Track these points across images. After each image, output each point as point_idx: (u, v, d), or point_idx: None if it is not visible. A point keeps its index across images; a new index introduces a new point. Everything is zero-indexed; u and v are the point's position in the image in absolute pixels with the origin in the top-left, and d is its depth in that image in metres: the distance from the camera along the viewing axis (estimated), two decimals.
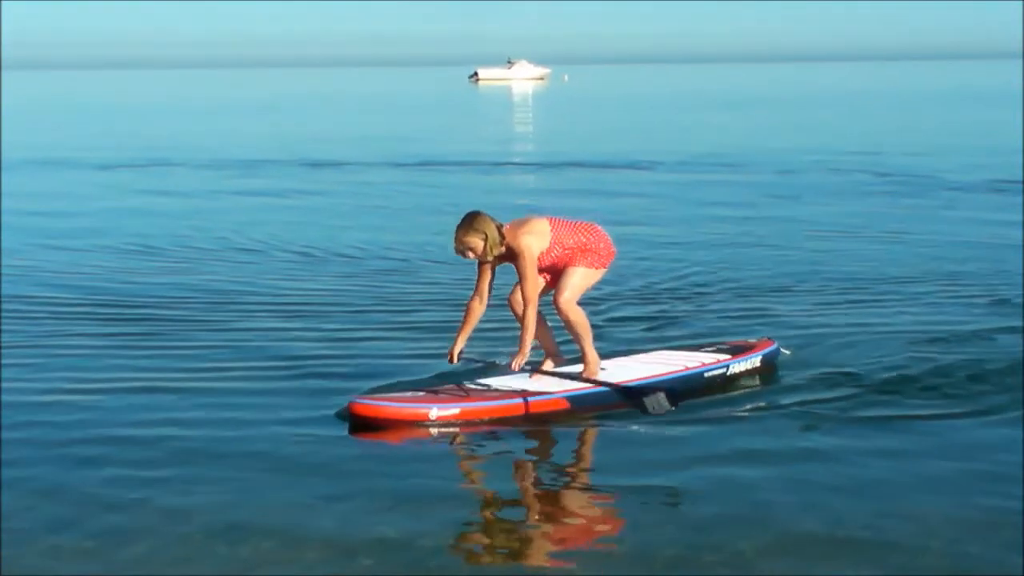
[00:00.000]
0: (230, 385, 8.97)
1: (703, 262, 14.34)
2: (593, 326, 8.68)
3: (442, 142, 37.41)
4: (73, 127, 50.35)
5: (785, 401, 8.49)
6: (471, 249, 8.15)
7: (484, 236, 8.11)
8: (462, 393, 8.15)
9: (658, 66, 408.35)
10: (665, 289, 12.68)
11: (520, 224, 8.29)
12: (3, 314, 11.38)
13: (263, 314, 11.51)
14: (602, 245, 8.46)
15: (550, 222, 8.36)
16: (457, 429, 7.87)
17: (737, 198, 21.30)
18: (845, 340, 10.18)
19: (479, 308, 8.35)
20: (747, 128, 44.11)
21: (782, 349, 9.59)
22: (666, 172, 26.71)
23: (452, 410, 7.94)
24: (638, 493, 6.80)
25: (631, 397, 7.94)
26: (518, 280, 8.28)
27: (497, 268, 8.38)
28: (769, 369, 9.24)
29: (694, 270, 13.81)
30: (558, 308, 8.37)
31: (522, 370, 8.37)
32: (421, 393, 8.20)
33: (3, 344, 10.16)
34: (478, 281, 8.35)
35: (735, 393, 8.77)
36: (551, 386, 8.33)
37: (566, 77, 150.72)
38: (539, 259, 8.22)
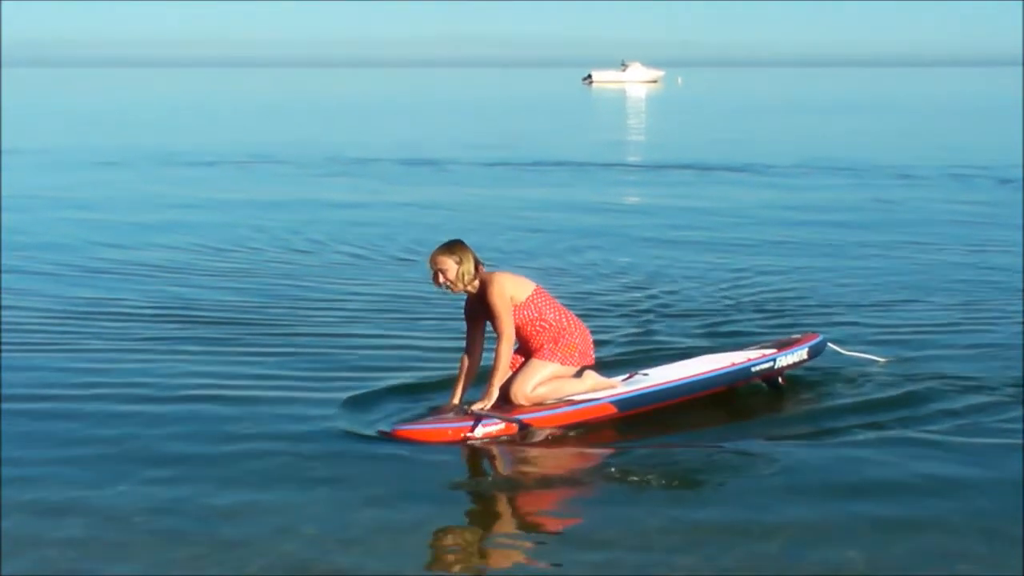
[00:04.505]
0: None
1: (807, 270, 13.98)
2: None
3: (555, 143, 37.26)
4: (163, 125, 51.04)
5: (885, 418, 8.09)
6: (443, 271, 7.80)
7: (459, 261, 7.79)
8: (509, 406, 7.86)
9: (775, 70, 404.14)
10: (767, 297, 12.30)
11: (502, 271, 8.06)
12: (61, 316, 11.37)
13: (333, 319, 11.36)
14: (579, 340, 8.04)
15: (536, 287, 8.03)
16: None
17: (850, 204, 20.79)
18: (949, 352, 9.83)
19: (469, 364, 8.02)
20: (864, 133, 43.26)
21: (876, 358, 9.33)
22: (779, 176, 26.22)
23: (498, 425, 7.69)
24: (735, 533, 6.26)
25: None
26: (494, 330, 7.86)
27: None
28: (815, 358, 9.02)
29: (794, 277, 13.45)
30: (515, 399, 7.87)
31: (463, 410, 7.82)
32: (467, 407, 7.87)
33: (67, 348, 10.11)
34: (468, 337, 8.09)
35: (828, 404, 8.45)
36: (596, 392, 8.06)
37: (680, 80, 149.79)
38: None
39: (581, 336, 8.07)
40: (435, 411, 7.97)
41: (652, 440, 7.75)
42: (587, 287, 13.04)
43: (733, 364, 8.56)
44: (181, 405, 8.42)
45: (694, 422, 8.13)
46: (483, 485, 7.22)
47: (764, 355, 8.73)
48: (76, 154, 32.13)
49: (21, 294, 12.45)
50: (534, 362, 7.94)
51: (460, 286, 7.85)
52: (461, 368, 8.05)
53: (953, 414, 8.15)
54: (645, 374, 8.48)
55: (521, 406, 7.86)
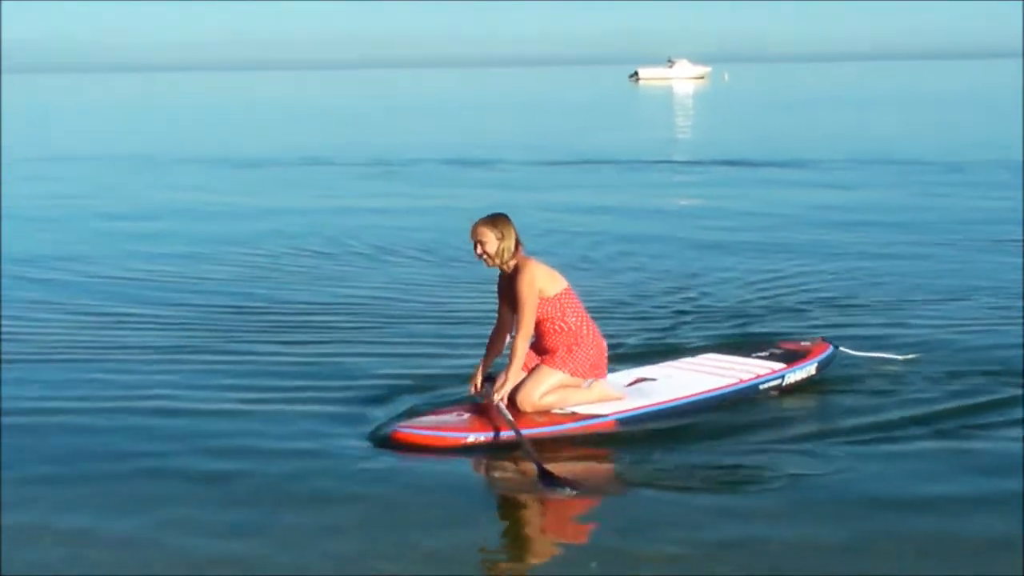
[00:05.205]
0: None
1: (845, 270, 13.68)
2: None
3: (603, 140, 37.29)
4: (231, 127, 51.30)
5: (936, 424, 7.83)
6: (482, 243, 7.73)
7: (500, 236, 7.73)
8: (515, 412, 7.67)
9: (823, 64, 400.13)
10: (794, 297, 12.08)
11: (538, 261, 7.92)
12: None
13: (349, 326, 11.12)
14: (593, 352, 7.87)
15: (567, 287, 7.90)
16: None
17: (895, 202, 20.48)
18: (990, 352, 9.58)
19: (497, 341, 8.06)
20: (911, 127, 42.73)
21: (895, 356, 9.19)
22: (823, 172, 25.99)
23: (490, 435, 7.52)
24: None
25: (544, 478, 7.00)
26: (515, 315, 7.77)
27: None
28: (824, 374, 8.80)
29: (828, 277, 13.20)
30: (521, 406, 7.73)
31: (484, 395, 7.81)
32: (466, 416, 7.79)
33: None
34: (499, 312, 8.06)
35: (869, 407, 8.16)
36: (601, 408, 7.89)
37: (727, 76, 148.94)
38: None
39: (596, 348, 7.93)
40: (456, 407, 7.97)
41: (690, 445, 7.51)
42: (610, 280, 13.14)
43: (741, 381, 8.37)
44: (200, 420, 8.21)
45: (714, 430, 7.82)
46: (505, 497, 6.99)
47: (773, 371, 8.56)
48: (119, 160, 32.21)
49: (37, 305, 12.27)
50: (543, 369, 7.83)
51: (498, 261, 7.81)
52: (489, 344, 8.08)
53: (1002, 421, 7.89)
54: (653, 379, 8.38)
55: (526, 413, 7.73)
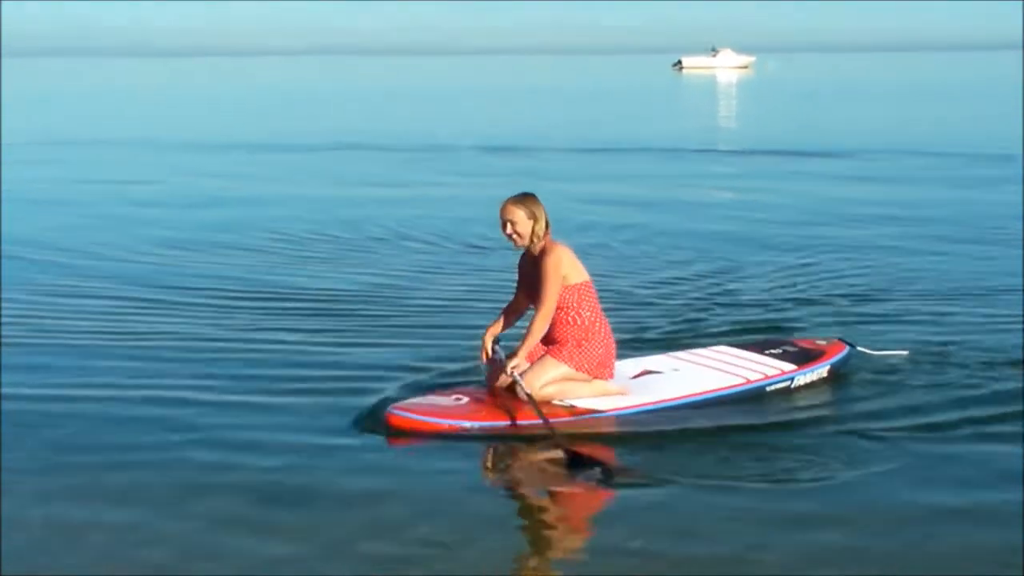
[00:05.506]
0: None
1: (876, 266, 13.25)
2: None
3: (645, 128, 37.14)
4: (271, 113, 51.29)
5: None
6: (512, 222, 7.62)
7: (531, 216, 7.62)
8: (509, 405, 7.55)
9: (870, 54, 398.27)
10: (818, 293, 11.72)
11: (566, 246, 7.80)
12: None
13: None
14: (601, 351, 7.75)
15: (588, 280, 7.81)
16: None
17: (927, 194, 20.15)
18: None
19: (510, 319, 8.00)
20: (959, 119, 42.30)
21: (900, 352, 8.92)
22: (861, 162, 25.73)
23: (492, 424, 7.42)
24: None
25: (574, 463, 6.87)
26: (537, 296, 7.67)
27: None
28: (838, 376, 8.51)
29: (857, 273, 12.78)
30: (520, 396, 7.64)
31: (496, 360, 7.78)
32: (465, 400, 7.69)
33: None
34: (516, 292, 8.01)
35: (894, 421, 7.66)
36: (601, 403, 7.71)
37: (770, 65, 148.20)
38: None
39: (605, 348, 7.83)
40: (455, 390, 7.86)
41: (704, 440, 7.29)
42: (630, 267, 13.14)
43: (748, 382, 8.12)
44: (216, 411, 8.02)
45: (736, 426, 7.59)
46: (525, 492, 6.79)
47: (782, 372, 8.30)
48: (125, 145, 32.05)
49: (43, 289, 12.13)
50: (548, 360, 7.74)
51: (530, 241, 7.72)
52: (500, 316, 7.98)
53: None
54: (659, 372, 8.21)
55: (525, 403, 7.58)
